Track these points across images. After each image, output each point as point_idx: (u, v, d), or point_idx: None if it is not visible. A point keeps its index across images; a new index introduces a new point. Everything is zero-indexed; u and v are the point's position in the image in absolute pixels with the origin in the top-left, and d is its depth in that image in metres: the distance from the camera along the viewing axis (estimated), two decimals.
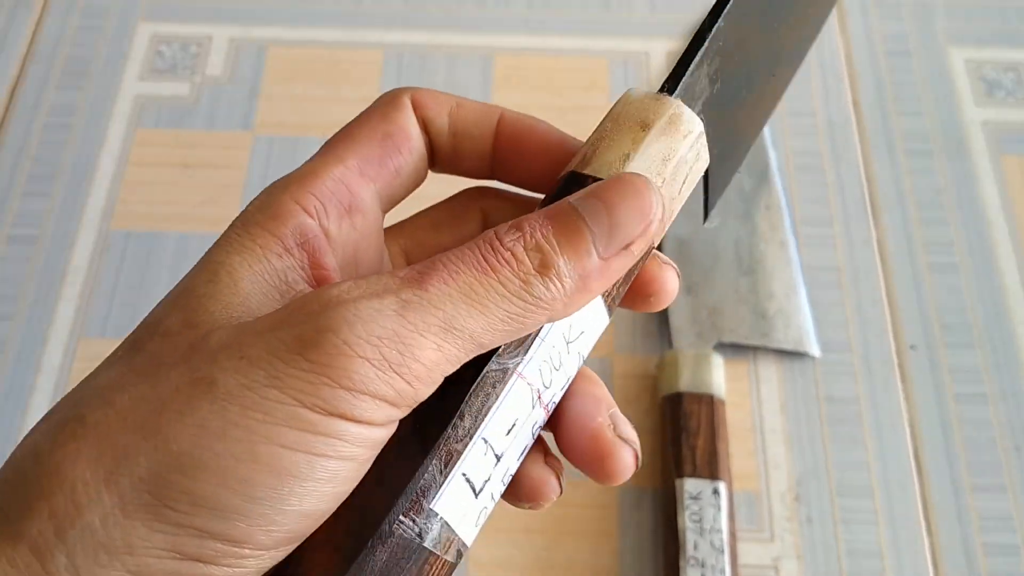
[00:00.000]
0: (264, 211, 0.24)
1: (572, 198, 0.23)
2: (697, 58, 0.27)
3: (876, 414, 0.52)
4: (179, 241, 0.56)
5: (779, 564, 0.48)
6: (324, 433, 0.20)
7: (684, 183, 0.26)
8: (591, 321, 0.24)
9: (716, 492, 0.46)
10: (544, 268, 0.22)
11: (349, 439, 0.20)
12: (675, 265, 0.27)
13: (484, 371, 0.23)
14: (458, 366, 0.22)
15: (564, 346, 0.24)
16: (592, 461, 0.26)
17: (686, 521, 0.46)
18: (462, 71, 0.63)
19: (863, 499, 0.50)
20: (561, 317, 0.23)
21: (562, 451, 0.26)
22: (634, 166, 0.25)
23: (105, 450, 0.20)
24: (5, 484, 0.21)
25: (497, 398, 0.23)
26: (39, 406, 0.51)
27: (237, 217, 0.25)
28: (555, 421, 0.26)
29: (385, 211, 0.27)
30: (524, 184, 0.28)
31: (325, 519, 0.21)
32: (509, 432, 0.23)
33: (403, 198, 0.28)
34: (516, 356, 0.23)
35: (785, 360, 0.53)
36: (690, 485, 0.47)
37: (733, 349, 0.53)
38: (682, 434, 0.48)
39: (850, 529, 0.49)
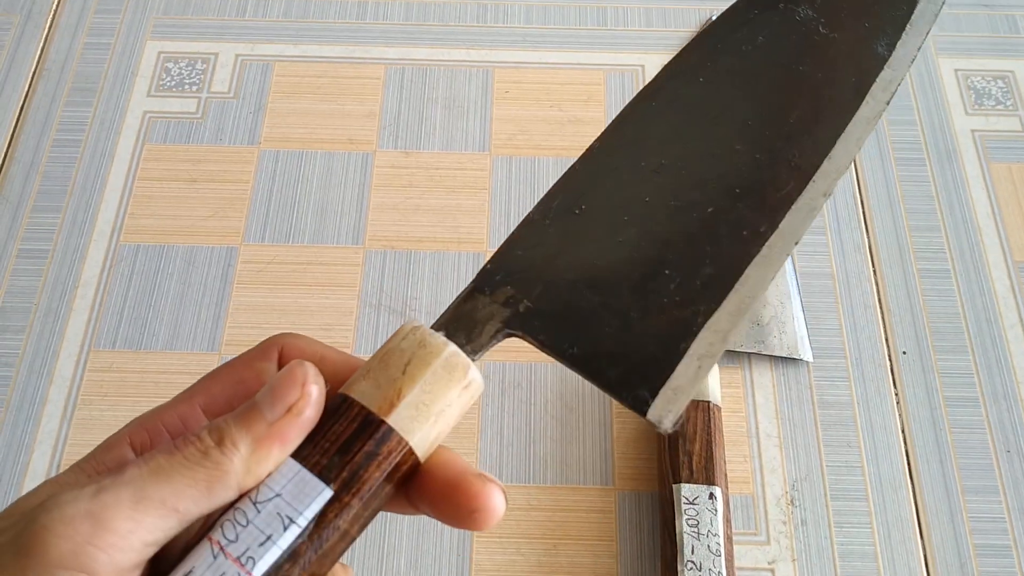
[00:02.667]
0: (104, 444, 0.28)
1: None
2: (462, 296, 0.31)
3: (869, 418, 0.53)
4: (187, 254, 0.58)
5: (775, 567, 0.49)
6: None
7: (447, 413, 0.28)
8: (294, 486, 0.27)
9: (712, 497, 0.47)
10: (220, 440, 0.26)
11: None
12: (500, 483, 0.28)
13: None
14: (164, 533, 0.25)
15: (251, 505, 0.27)
16: (460, 501, 0.27)
17: (683, 525, 0.47)
18: (462, 85, 0.64)
19: (856, 502, 0.51)
20: (251, 481, 0.26)
21: (426, 501, 0.28)
22: (399, 409, 0.27)
23: None
24: None
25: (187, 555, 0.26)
26: (51, 416, 0.53)
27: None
28: (416, 475, 0.28)
29: None
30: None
31: None
32: None
33: None
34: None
35: (779, 366, 0.54)
36: (687, 490, 0.48)
37: (729, 356, 0.54)
38: (679, 440, 0.49)
39: (844, 531, 0.50)
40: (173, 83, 0.64)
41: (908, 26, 0.36)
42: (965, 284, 0.57)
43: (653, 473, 0.51)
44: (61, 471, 0.29)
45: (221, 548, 0.26)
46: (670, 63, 0.35)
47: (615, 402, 0.52)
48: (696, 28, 0.67)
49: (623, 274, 0.31)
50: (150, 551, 0.25)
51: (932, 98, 0.64)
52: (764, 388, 0.54)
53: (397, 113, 0.63)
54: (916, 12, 0.36)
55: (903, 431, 0.53)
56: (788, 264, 0.56)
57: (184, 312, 0.56)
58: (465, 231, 0.59)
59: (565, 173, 0.33)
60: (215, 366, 0.52)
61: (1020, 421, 0.53)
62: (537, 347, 0.30)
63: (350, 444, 0.27)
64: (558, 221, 0.32)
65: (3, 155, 0.61)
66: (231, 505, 0.27)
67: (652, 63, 0.65)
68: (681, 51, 0.36)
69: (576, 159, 0.33)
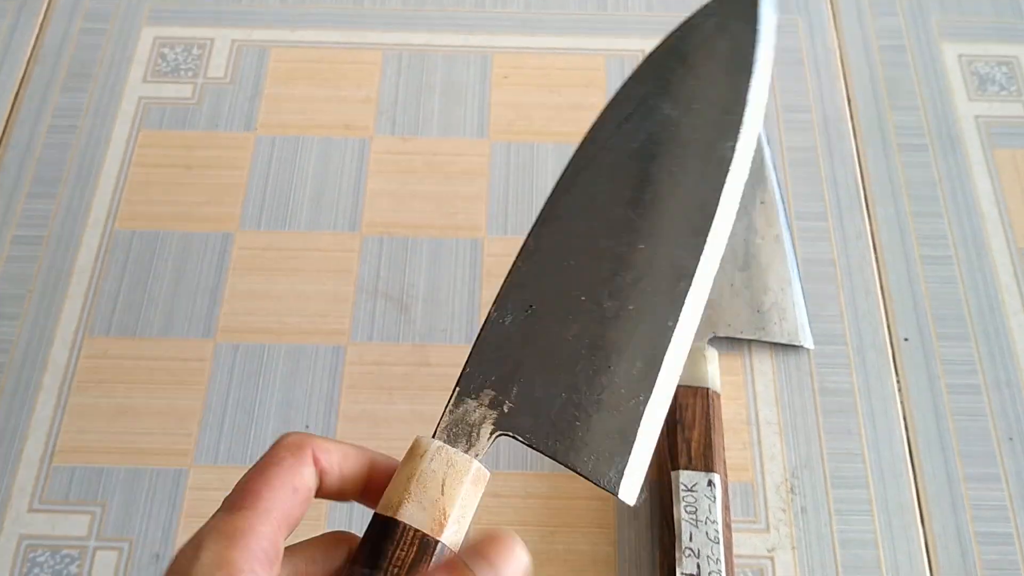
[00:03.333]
0: (220, 567, 0.28)
1: (464, 554, 0.30)
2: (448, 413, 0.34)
3: (870, 405, 0.52)
4: (182, 240, 0.57)
5: (774, 554, 0.49)
6: None
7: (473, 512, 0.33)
8: None
9: (711, 484, 0.47)
10: None
11: None
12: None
13: None
14: None
15: None
16: None
17: (682, 512, 0.46)
18: (461, 71, 0.64)
19: (857, 490, 0.50)
20: None
21: None
22: (448, 526, 0.31)
23: None
24: None
25: None
26: (45, 403, 0.52)
27: (187, 561, 0.28)
28: None
29: None
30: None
31: None
32: None
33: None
34: None
35: (780, 353, 0.54)
36: (685, 477, 0.47)
37: (729, 343, 0.54)
38: (677, 427, 0.49)
39: (844, 519, 0.50)
40: (169, 69, 0.64)
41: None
42: (968, 271, 0.56)
43: (652, 460, 0.51)
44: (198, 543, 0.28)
45: None
46: (575, 154, 0.40)
47: None
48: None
49: (577, 371, 0.35)
50: None
51: (935, 84, 0.63)
52: (764, 375, 0.53)
53: (395, 99, 0.63)
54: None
55: (904, 418, 0.52)
56: (789, 250, 0.56)
57: (179, 298, 0.55)
58: (463, 218, 0.58)
59: (511, 270, 0.37)
60: (210, 352, 0.52)
61: (1022, 408, 0.52)
62: (525, 444, 0.34)
63: (415, 566, 0.30)
64: (515, 320, 0.36)
65: None
66: None
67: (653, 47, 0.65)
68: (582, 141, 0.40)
69: (518, 256, 0.37)
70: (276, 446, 0.32)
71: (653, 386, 0.36)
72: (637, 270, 0.38)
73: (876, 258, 0.57)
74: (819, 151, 0.60)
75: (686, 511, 0.46)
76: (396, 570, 0.30)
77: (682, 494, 0.47)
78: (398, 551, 0.30)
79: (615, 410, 0.35)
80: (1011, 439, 0.52)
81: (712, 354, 0.51)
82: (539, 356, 0.36)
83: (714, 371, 0.51)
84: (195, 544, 0.28)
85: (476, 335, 0.36)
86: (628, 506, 0.50)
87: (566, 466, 0.34)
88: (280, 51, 0.65)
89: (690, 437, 0.48)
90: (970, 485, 0.50)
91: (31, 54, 0.64)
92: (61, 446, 0.51)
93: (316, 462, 0.32)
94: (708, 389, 0.50)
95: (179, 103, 0.63)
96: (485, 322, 0.36)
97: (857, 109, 0.62)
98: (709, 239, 0.38)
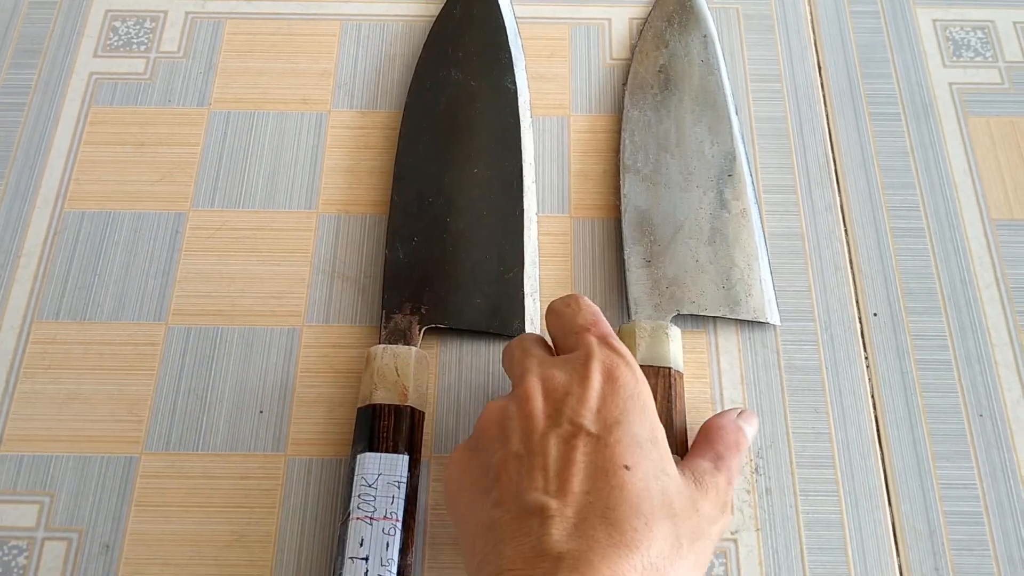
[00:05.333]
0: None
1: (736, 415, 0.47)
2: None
3: (837, 383, 0.51)
4: (134, 220, 0.56)
5: (738, 536, 0.48)
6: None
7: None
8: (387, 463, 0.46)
9: None
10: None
11: None
12: None
13: None
14: None
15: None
16: None
17: None
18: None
19: (824, 469, 0.49)
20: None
21: None
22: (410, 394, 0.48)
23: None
24: None
25: None
26: None
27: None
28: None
29: None
30: None
31: None
32: None
33: None
34: None
35: (745, 330, 0.53)
36: None
37: (693, 320, 0.53)
38: None
39: (810, 500, 0.48)
40: (120, 43, 0.62)
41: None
42: (940, 243, 0.55)
43: None
44: None
45: None
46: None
47: None
48: None
49: (461, 268, 0.53)
50: None
51: (908, 50, 0.61)
52: (729, 353, 0.52)
53: (353, 71, 0.61)
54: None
55: (872, 395, 0.51)
56: (756, 224, 0.54)
57: (130, 281, 0.54)
58: None
59: (389, 216, 0.55)
60: (161, 336, 0.51)
61: (993, 384, 0.51)
62: (446, 328, 0.51)
63: (397, 428, 0.46)
64: (406, 252, 0.53)
65: None
66: None
67: (619, 16, 0.63)
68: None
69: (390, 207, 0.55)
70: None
71: (522, 260, 0.53)
72: (479, 187, 0.55)
73: (845, 231, 0.55)
74: (789, 121, 0.59)
75: None
76: (384, 435, 0.45)
77: None
78: (381, 423, 0.45)
79: (506, 283, 0.53)
80: (981, 415, 0.50)
81: (675, 332, 0.50)
82: (433, 257, 0.53)
83: (676, 350, 0.49)
84: None
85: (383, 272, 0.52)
86: None
87: (488, 332, 0.52)
88: (235, 23, 0.63)
89: None
90: (939, 463, 0.49)
91: None
92: (8, 434, 0.50)
93: None
94: (670, 369, 0.48)
95: (131, 78, 0.61)
96: (385, 262, 0.53)
97: (828, 77, 0.61)
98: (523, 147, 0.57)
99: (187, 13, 0.63)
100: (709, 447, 0.44)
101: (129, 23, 0.63)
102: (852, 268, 0.54)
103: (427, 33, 0.61)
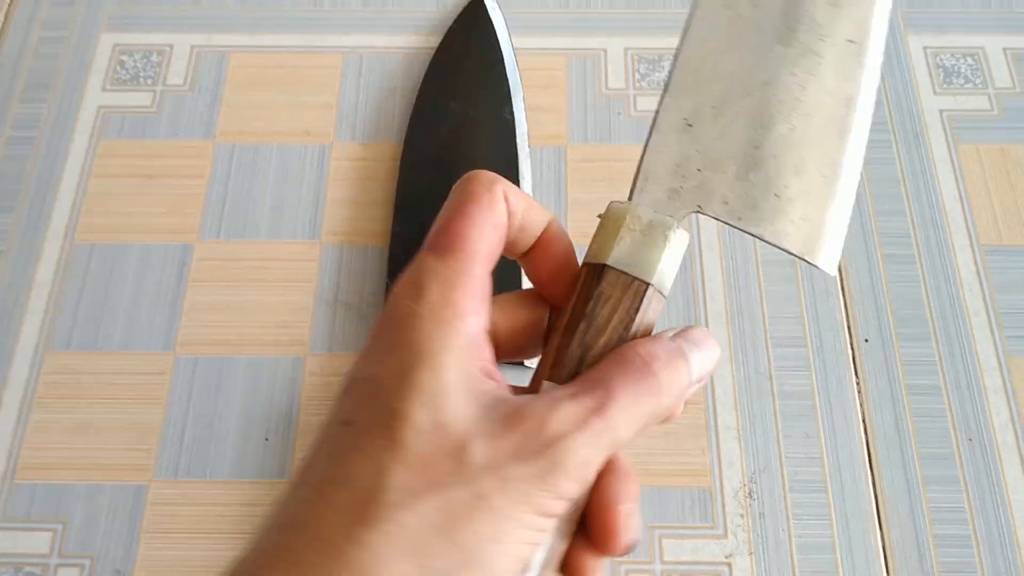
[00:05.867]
0: (446, 307, 0.28)
1: (671, 335, 0.30)
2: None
3: (829, 408, 0.52)
4: (143, 252, 0.57)
5: (732, 560, 0.49)
6: (540, 530, 0.27)
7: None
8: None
9: None
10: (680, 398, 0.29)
11: (545, 534, 0.28)
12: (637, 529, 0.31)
13: None
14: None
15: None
16: (604, 532, 0.30)
17: None
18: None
19: (815, 494, 0.50)
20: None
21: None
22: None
23: (416, 548, 0.25)
24: (311, 549, 0.25)
25: None
26: (6, 420, 0.52)
27: (412, 301, 0.28)
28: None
29: None
30: (537, 276, 0.33)
31: None
32: None
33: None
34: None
35: (740, 357, 0.54)
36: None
37: None
38: (581, 324, 0.31)
39: (802, 524, 0.50)
40: (128, 76, 0.64)
41: None
42: (930, 270, 0.56)
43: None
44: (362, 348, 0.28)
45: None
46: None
47: None
48: (660, 7, 0.65)
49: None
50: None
51: (900, 77, 0.63)
52: (723, 379, 0.53)
53: (355, 103, 0.62)
54: None
55: (864, 421, 0.52)
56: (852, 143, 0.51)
57: (139, 311, 0.55)
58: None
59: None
60: (170, 366, 0.51)
61: (982, 409, 0.52)
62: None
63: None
64: (412, 255, 0.34)
65: None
66: None
67: (615, 46, 0.64)
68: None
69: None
70: (468, 182, 0.31)
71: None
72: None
73: None
74: None
75: None
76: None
77: None
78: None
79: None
80: (970, 440, 0.51)
81: (678, 237, 0.32)
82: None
83: (670, 262, 0.32)
84: (414, 285, 0.28)
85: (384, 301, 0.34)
86: None
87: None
88: (240, 56, 0.64)
89: (590, 344, 0.31)
90: (929, 487, 0.50)
91: None
92: (22, 463, 0.51)
93: (506, 201, 0.31)
94: (649, 285, 0.31)
95: (139, 111, 0.62)
96: (386, 291, 0.38)
97: None
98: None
99: (192, 47, 0.64)
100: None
101: (136, 56, 0.64)
102: (844, 295, 0.55)
103: (427, 65, 0.62)
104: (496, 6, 0.63)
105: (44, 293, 0.56)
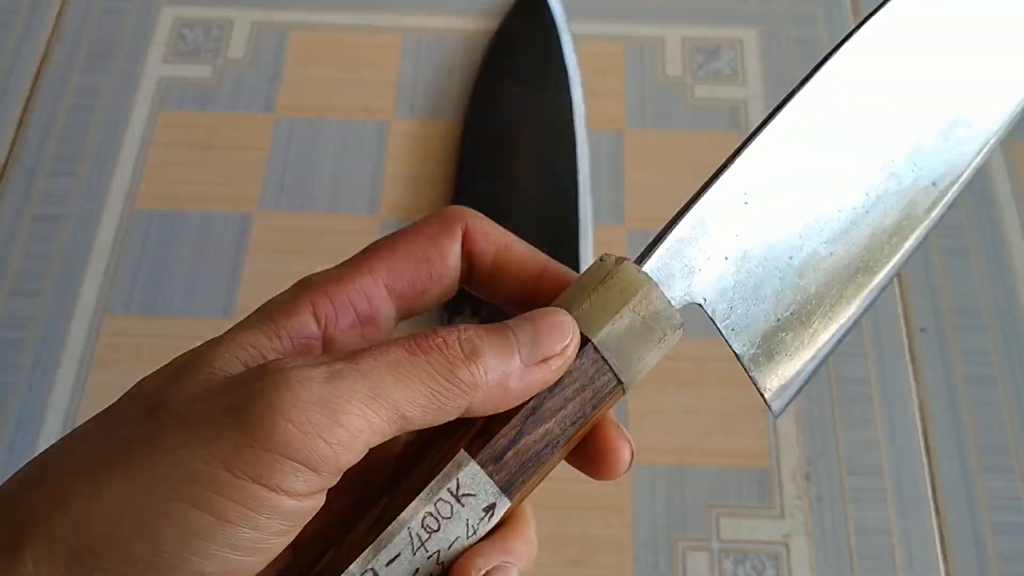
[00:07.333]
0: (281, 306, 0.27)
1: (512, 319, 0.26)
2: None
3: (886, 395, 0.53)
4: (202, 220, 0.57)
5: (789, 541, 0.49)
6: (238, 500, 0.21)
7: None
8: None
9: (489, 512, 0.25)
10: (472, 355, 0.24)
11: (263, 510, 0.22)
12: (631, 440, 0.28)
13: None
14: (383, 439, 0.23)
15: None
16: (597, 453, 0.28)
17: (421, 516, 0.25)
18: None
19: (872, 478, 0.50)
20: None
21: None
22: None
23: (51, 494, 0.22)
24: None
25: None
26: (64, 380, 0.52)
27: (267, 302, 0.28)
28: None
29: (399, 322, 0.29)
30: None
31: None
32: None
33: (420, 314, 0.29)
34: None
35: None
36: (467, 474, 0.25)
37: None
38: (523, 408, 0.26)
39: (859, 507, 0.50)
40: (188, 50, 0.64)
41: None
42: (985, 262, 0.57)
43: (669, 446, 0.51)
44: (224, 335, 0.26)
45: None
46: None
47: None
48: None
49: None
50: (356, 459, 0.23)
51: None
52: None
53: (414, 82, 0.63)
54: None
55: (920, 408, 0.52)
56: None
57: (198, 278, 0.56)
58: None
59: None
60: (228, 330, 0.52)
61: None
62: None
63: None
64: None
65: (18, 121, 0.61)
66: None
67: (672, 35, 0.65)
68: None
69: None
70: (429, 215, 0.28)
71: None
72: (536, 196, 0.51)
73: None
74: None
75: (426, 519, 0.25)
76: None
77: (441, 494, 0.25)
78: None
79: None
80: None
81: (675, 338, 0.28)
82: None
83: (654, 362, 0.27)
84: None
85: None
86: (643, 491, 0.50)
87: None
88: (299, 33, 0.65)
89: (528, 430, 0.26)
90: (985, 475, 0.51)
91: (51, 34, 0.64)
92: (80, 423, 0.51)
93: (468, 241, 0.28)
94: (620, 384, 0.27)
95: (199, 84, 0.63)
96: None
97: None
98: None
99: (253, 22, 0.65)
100: None
101: (197, 31, 0.65)
102: (900, 285, 0.56)
103: (485, 47, 0.63)
104: None
105: (103, 258, 0.56)
